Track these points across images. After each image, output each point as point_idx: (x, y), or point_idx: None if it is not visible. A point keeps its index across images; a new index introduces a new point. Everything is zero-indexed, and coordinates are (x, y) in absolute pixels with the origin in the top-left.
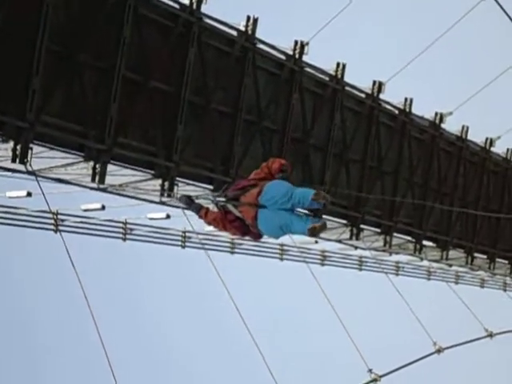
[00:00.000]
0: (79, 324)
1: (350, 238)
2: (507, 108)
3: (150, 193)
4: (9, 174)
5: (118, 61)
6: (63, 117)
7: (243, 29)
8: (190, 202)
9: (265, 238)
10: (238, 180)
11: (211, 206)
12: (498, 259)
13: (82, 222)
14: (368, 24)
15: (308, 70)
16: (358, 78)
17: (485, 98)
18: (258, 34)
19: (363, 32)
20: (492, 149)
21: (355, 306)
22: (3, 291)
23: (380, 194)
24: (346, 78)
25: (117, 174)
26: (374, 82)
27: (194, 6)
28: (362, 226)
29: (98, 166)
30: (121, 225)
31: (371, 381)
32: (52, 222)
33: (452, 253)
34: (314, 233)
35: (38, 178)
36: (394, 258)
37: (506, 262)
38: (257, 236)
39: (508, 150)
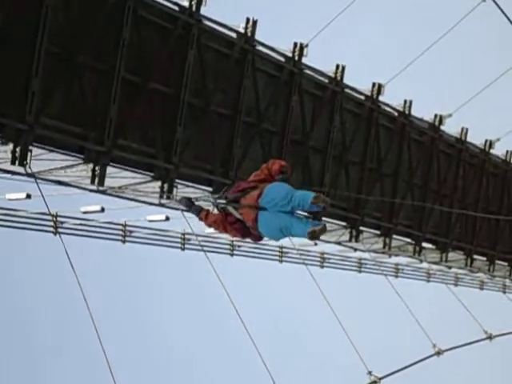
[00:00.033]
0: (79, 326)
1: (350, 240)
2: (507, 110)
3: (149, 195)
4: (8, 176)
5: (117, 62)
6: (63, 119)
7: (242, 31)
8: (190, 204)
9: (264, 240)
10: (237, 182)
11: (211, 208)
12: (497, 261)
13: (81, 224)
14: (367, 26)
15: (307, 71)
16: (358, 80)
17: (484, 100)
18: (258, 36)
19: (362, 34)
20: (491, 151)
21: (355, 308)
22: (3, 293)
23: (379, 195)
24: (346, 80)
25: (116, 176)
26: (374, 84)
27: (194, 8)
28: (361, 228)
29: (97, 168)
30: (120, 227)
31: (371, 383)
32: (51, 224)
33: (451, 255)
34: (313, 236)
35: (38, 180)
36: (394, 260)
37: (506, 263)
38: (257, 238)
39: (507, 151)
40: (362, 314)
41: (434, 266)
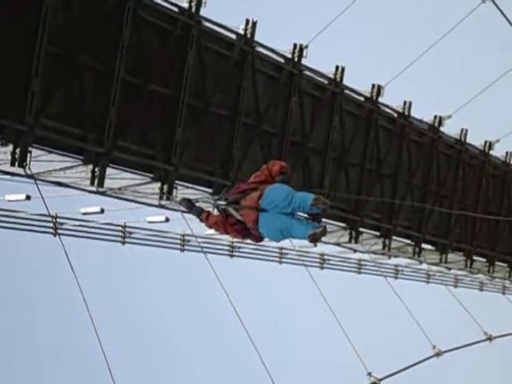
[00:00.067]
0: (78, 327)
1: (349, 242)
2: (506, 111)
3: (149, 196)
4: (8, 177)
5: (117, 63)
6: (62, 120)
7: (242, 32)
8: (190, 206)
9: (264, 241)
10: (238, 183)
11: (212, 210)
12: (497, 262)
13: (81, 226)
14: (367, 27)
15: (307, 73)
16: (357, 82)
17: (484, 101)
18: (257, 38)
19: (362, 35)
20: (491, 152)
21: (354, 310)
22: (2, 295)
23: (379, 197)
24: (345, 82)
25: (116, 177)
26: (373, 85)
27: (193, 10)
28: (361, 229)
29: (97, 169)
30: (120, 228)
31: None
32: (51, 225)
33: (451, 256)
34: (314, 239)
35: (37, 182)
36: (393, 261)
37: (505, 265)
38: (258, 239)
39: (507, 153)
40: (361, 315)
41: (434, 267)
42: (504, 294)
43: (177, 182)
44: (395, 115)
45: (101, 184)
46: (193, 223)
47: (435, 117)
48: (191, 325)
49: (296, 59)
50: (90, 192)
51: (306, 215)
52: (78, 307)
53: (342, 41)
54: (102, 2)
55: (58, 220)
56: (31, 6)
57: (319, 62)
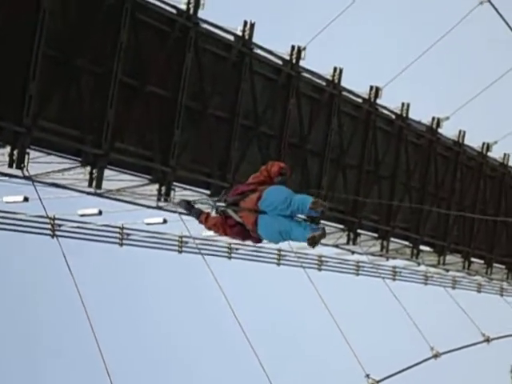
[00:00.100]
0: (76, 328)
1: (347, 243)
2: (504, 113)
3: (146, 198)
4: (6, 179)
5: (114, 65)
6: (60, 122)
7: (240, 34)
8: (189, 207)
9: (263, 243)
10: (236, 185)
11: (211, 211)
12: (494, 264)
13: (78, 227)
14: (365, 29)
15: (305, 74)
16: (355, 83)
17: (482, 103)
18: (255, 39)
19: (360, 37)
20: (489, 154)
21: (352, 311)
22: (1, 296)
23: (377, 198)
24: (343, 83)
25: (114, 179)
26: (371, 87)
27: (191, 11)
28: (359, 230)
29: (94, 171)
30: (118, 230)
31: None
32: (49, 226)
33: (449, 258)
34: (313, 242)
35: (35, 183)
36: (391, 262)
37: (503, 266)
38: (257, 240)
39: (505, 154)
40: (359, 316)
41: (432, 269)
42: (502, 295)
43: (175, 183)
44: (393, 117)
45: (99, 186)
46: (191, 225)
47: (433, 118)
48: (189, 326)
49: (294, 61)
50: (88, 194)
51: (304, 217)
52: (76, 309)
53: (340, 42)
54: (100, 4)
55: (56, 222)
56: (29, 9)
57: (317, 63)
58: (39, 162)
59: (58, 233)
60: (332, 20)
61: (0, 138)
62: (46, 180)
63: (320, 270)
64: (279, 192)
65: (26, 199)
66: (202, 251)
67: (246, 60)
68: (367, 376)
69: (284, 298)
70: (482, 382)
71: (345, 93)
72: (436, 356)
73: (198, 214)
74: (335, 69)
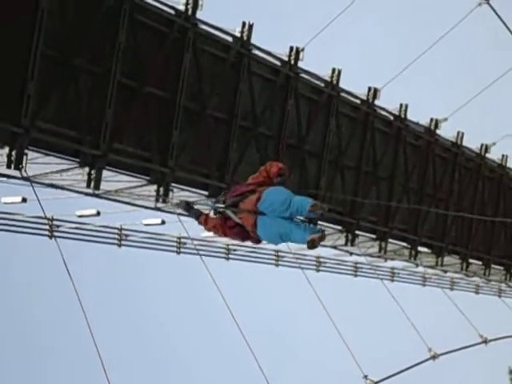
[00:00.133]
0: (74, 329)
1: (346, 244)
2: (502, 114)
3: (145, 199)
4: (4, 179)
5: (113, 66)
6: (58, 122)
7: (238, 35)
8: (189, 208)
9: (262, 243)
10: (234, 186)
11: (210, 212)
12: (493, 265)
13: (77, 228)
14: (363, 30)
15: (303, 75)
16: (354, 84)
17: (480, 104)
18: (254, 40)
19: (358, 38)
20: (487, 155)
21: (350, 312)
22: None
23: (375, 199)
24: (342, 84)
25: (112, 179)
26: (370, 88)
27: (190, 12)
28: (357, 232)
29: (93, 171)
30: (116, 231)
31: None
32: (47, 227)
33: (447, 259)
34: (312, 245)
35: (33, 184)
36: (389, 264)
37: (501, 268)
38: (257, 241)
39: (503, 156)
40: (357, 317)
41: (430, 270)
42: (500, 296)
43: (173, 184)
44: (391, 118)
45: (97, 186)
46: (189, 226)
47: (431, 119)
48: (187, 327)
49: (292, 62)
50: (86, 194)
51: (303, 218)
52: (75, 310)
53: (339, 43)
54: (98, 5)
55: (54, 222)
56: (27, 9)
57: (315, 64)
58: (37, 162)
59: (56, 234)
60: (330, 21)
61: None
62: (44, 181)
63: (318, 271)
64: (278, 193)
65: (24, 200)
66: (201, 252)
67: (244, 61)
68: (365, 377)
69: (282, 298)
70: None
71: (343, 94)
72: (434, 357)
73: (198, 215)
74: (333, 70)
